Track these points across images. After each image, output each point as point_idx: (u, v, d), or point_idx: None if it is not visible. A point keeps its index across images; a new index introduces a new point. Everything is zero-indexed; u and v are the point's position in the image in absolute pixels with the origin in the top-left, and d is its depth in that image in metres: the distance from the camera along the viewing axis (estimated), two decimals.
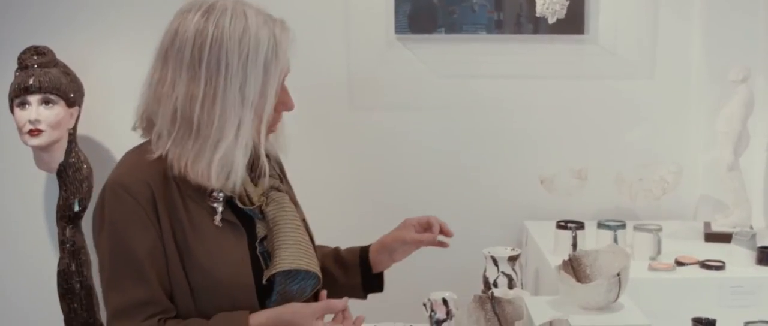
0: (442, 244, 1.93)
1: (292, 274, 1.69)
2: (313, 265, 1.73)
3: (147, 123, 1.67)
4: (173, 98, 1.59)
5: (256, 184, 1.72)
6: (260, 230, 1.70)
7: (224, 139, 1.58)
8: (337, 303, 1.67)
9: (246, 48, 1.58)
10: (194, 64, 1.58)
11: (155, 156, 1.62)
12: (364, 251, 1.96)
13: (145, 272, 1.59)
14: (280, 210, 1.71)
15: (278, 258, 1.67)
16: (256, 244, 1.68)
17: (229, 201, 1.66)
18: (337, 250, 2.01)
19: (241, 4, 1.63)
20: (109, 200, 1.61)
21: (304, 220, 1.83)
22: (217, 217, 1.64)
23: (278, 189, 1.76)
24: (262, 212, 1.71)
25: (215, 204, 1.64)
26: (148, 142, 1.66)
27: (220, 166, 1.59)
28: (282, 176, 1.87)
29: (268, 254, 1.69)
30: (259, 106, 1.62)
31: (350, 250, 1.99)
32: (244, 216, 1.69)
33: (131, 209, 1.59)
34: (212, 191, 1.63)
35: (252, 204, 1.69)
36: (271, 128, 1.70)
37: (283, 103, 1.70)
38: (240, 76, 1.58)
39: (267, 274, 1.67)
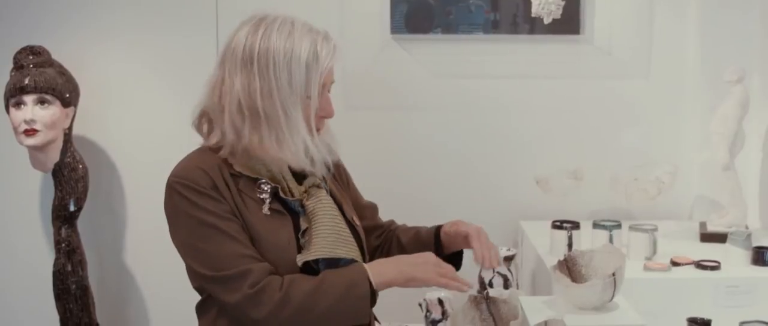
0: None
1: (335, 261, 1.81)
2: (352, 252, 1.85)
3: (207, 121, 1.84)
4: (235, 93, 1.76)
5: (300, 183, 1.87)
6: (303, 223, 1.83)
7: (295, 127, 1.76)
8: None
9: (290, 48, 1.75)
10: (246, 62, 1.76)
11: (214, 146, 1.80)
12: (437, 231, 2.06)
13: (231, 233, 1.74)
14: (318, 204, 1.85)
15: (316, 245, 1.80)
16: (299, 236, 1.81)
17: (275, 194, 1.82)
18: (417, 231, 2.10)
19: (290, 17, 1.81)
20: (174, 193, 1.77)
21: (351, 218, 1.94)
22: (266, 207, 1.79)
23: (318, 187, 1.90)
24: (303, 207, 1.85)
25: (263, 196, 1.80)
26: (200, 148, 1.84)
27: (303, 150, 1.78)
28: (335, 178, 2.01)
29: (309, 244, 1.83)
30: (305, 103, 1.77)
31: (428, 231, 2.07)
32: (289, 211, 1.83)
33: (196, 192, 1.75)
34: (261, 183, 1.80)
35: (293, 197, 1.84)
36: (315, 129, 1.83)
37: (324, 108, 1.84)
38: (285, 72, 1.75)
39: (300, 259, 1.78)
